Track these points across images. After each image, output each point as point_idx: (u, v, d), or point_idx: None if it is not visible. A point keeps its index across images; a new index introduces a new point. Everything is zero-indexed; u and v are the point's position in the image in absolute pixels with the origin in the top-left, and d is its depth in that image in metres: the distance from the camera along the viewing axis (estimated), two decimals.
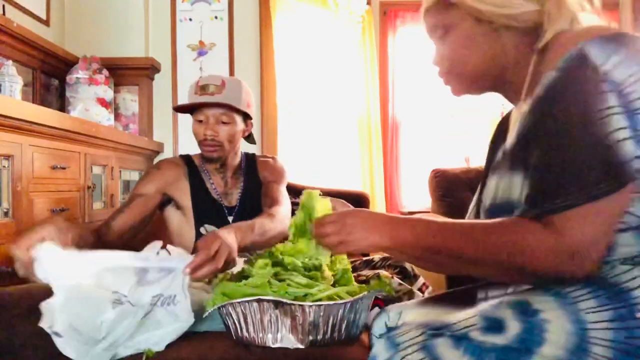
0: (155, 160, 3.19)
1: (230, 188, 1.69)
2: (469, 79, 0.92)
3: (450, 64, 0.93)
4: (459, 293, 0.99)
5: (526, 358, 0.69)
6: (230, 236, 1.19)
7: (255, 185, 1.71)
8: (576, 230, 0.70)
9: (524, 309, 0.73)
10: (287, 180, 1.77)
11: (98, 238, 1.40)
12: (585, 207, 0.69)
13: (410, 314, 0.90)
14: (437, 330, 0.78)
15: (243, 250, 1.27)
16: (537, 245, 0.72)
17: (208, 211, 1.63)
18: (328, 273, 1.12)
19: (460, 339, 0.75)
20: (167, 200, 1.64)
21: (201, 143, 1.59)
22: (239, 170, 1.72)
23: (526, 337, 0.70)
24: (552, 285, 0.74)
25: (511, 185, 0.82)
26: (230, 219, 1.64)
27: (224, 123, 1.56)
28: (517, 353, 0.70)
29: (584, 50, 0.74)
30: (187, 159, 1.70)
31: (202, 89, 1.55)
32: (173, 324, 1.03)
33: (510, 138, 0.87)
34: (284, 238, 1.27)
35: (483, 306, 0.81)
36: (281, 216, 1.50)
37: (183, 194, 1.63)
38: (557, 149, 0.72)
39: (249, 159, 1.77)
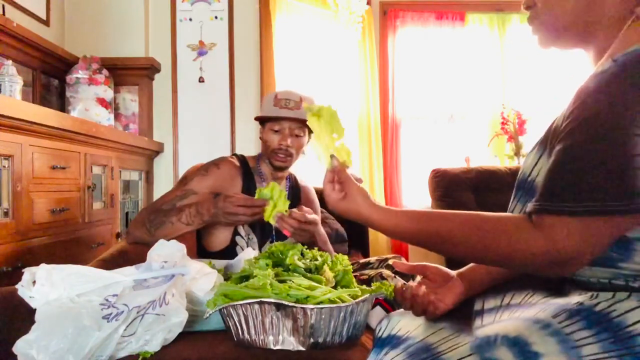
0: (156, 160, 3.19)
1: None
2: (555, 28, 0.84)
3: (540, 8, 0.85)
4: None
5: None
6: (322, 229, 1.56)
7: (296, 202, 1.78)
8: (567, 240, 0.68)
9: (523, 349, 0.69)
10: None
11: None
12: (584, 219, 0.67)
13: (407, 327, 0.89)
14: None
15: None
16: (526, 247, 0.70)
17: None
18: (329, 274, 1.12)
19: None
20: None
21: (274, 152, 1.66)
22: (286, 180, 1.80)
23: None
24: (551, 321, 0.72)
25: (540, 166, 0.78)
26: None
27: (297, 136, 1.66)
28: None
29: None
30: (242, 160, 1.74)
31: (283, 102, 1.64)
32: (163, 323, 1.03)
33: (560, 113, 0.80)
34: None
35: (479, 336, 0.77)
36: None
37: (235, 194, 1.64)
38: (581, 150, 0.68)
39: (290, 174, 1.84)
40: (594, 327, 0.68)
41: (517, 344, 0.70)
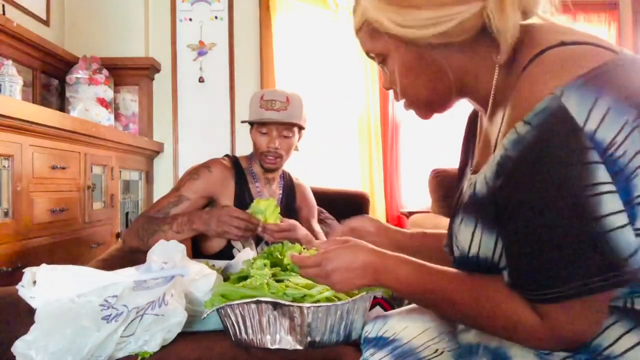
0: (156, 160, 3.20)
1: (272, 194, 1.74)
2: (425, 104, 0.81)
3: (401, 92, 0.81)
4: None
5: None
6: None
7: (291, 201, 1.78)
8: (571, 324, 0.64)
9: None
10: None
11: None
12: (578, 301, 0.63)
13: (394, 328, 0.89)
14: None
15: None
16: (530, 332, 0.67)
17: None
18: None
19: None
20: (210, 202, 1.64)
21: (263, 154, 1.65)
22: (280, 179, 1.79)
23: None
24: None
25: (481, 241, 0.72)
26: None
27: (285, 136, 1.64)
28: None
29: (562, 102, 0.60)
30: (234, 161, 1.73)
31: (269, 104, 1.62)
32: (162, 323, 1.03)
33: (481, 178, 0.72)
34: None
35: (462, 342, 0.77)
36: None
37: (227, 196, 1.65)
38: (542, 231, 0.63)
39: (285, 173, 1.83)
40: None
41: (497, 355, 0.71)
